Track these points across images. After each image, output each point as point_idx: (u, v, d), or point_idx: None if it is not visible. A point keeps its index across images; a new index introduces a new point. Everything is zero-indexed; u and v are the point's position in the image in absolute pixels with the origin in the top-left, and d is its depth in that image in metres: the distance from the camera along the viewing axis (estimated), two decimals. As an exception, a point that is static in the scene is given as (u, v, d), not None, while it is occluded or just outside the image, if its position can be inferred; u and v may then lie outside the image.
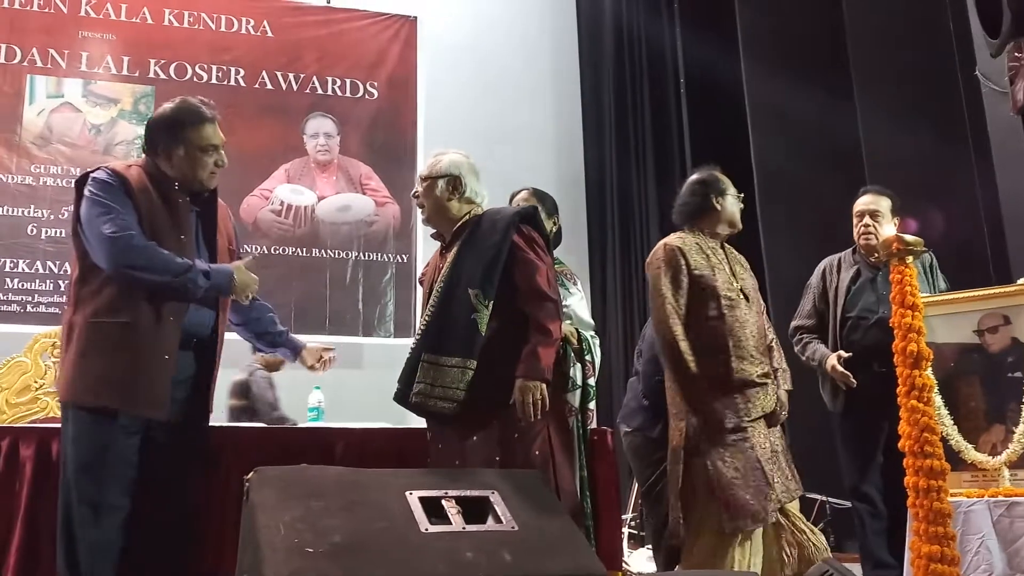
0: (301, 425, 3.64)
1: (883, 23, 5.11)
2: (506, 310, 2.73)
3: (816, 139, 5.61)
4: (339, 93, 6.96)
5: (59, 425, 2.67)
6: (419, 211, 3.07)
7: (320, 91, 6.91)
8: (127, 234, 2.48)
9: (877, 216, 3.73)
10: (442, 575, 1.94)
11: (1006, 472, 2.81)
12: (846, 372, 3.61)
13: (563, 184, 6.93)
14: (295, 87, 6.84)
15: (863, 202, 3.79)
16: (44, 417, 4.26)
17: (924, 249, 2.59)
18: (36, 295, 5.94)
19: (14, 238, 5.99)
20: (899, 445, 2.46)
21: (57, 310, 5.76)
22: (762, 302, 3.35)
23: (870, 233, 3.73)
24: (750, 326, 3.12)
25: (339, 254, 6.67)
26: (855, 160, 5.07)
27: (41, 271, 5.98)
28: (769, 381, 3.09)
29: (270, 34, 6.87)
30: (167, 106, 2.70)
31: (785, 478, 3.05)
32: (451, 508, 2.12)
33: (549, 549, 2.09)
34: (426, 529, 2.04)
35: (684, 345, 2.98)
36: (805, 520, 3.12)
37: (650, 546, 4.89)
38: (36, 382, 4.39)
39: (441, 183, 2.89)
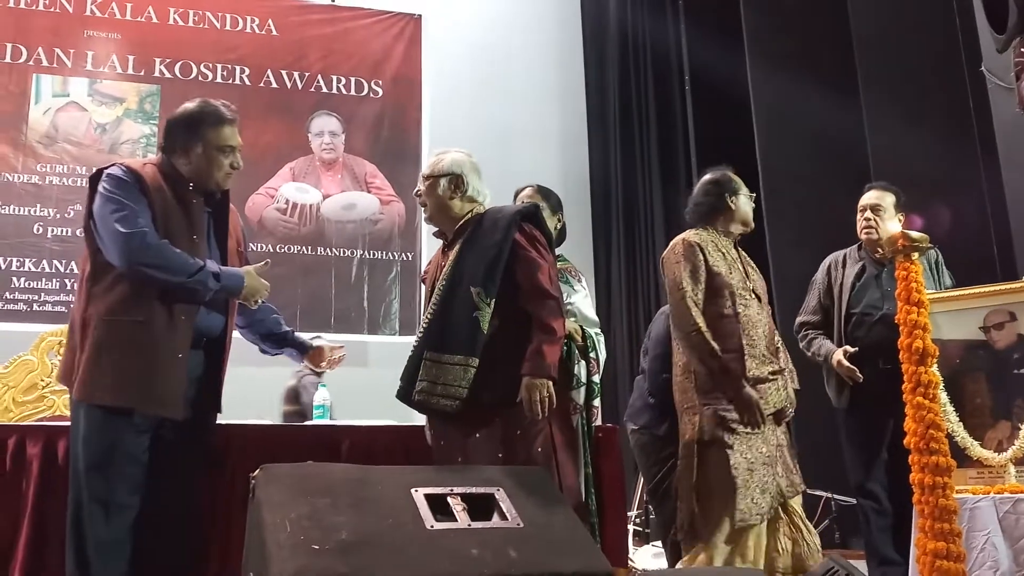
0: (307, 423, 3.65)
1: (888, 20, 5.09)
2: (508, 308, 2.73)
3: (821, 136, 5.60)
4: (344, 92, 6.97)
5: (66, 424, 2.68)
6: (422, 210, 3.07)
7: (325, 90, 6.92)
8: (140, 231, 2.48)
9: (879, 211, 3.74)
10: (447, 572, 1.95)
11: (1012, 469, 2.80)
12: (852, 367, 3.61)
13: (568, 181, 6.93)
14: (300, 86, 6.86)
15: (867, 197, 3.80)
16: (51, 415, 4.28)
17: (930, 246, 2.59)
18: (42, 294, 5.96)
19: (20, 237, 6.01)
20: (905, 442, 2.46)
21: (63, 309, 5.78)
22: (768, 305, 3.35)
23: (872, 228, 3.74)
24: (761, 326, 3.14)
25: (344, 252, 6.68)
26: (861, 158, 5.06)
27: (47, 270, 6.00)
28: (779, 378, 3.11)
29: (275, 33, 6.88)
30: (188, 105, 2.71)
31: (789, 472, 3.09)
32: (456, 505, 2.13)
33: (554, 546, 2.09)
34: (432, 526, 2.04)
35: (709, 335, 2.98)
36: (804, 518, 3.13)
37: (654, 543, 4.90)
38: (43, 380, 4.41)
39: (443, 182, 2.90)
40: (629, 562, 4.02)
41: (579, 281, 3.42)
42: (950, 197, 4.49)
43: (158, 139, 6.30)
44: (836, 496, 4.96)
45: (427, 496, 2.12)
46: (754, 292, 3.21)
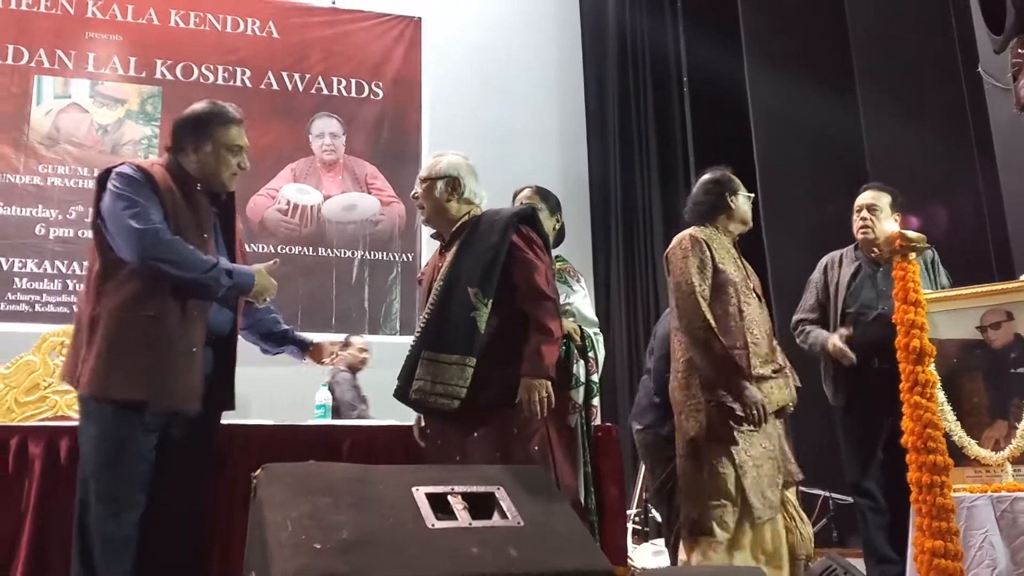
0: (308, 423, 3.66)
1: (885, 21, 5.10)
2: (505, 309, 2.75)
3: (819, 137, 5.61)
4: (344, 93, 6.98)
5: (68, 424, 2.70)
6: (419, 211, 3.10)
7: (326, 91, 6.93)
8: (154, 227, 2.50)
9: (875, 211, 3.75)
10: (448, 571, 1.95)
11: (1009, 468, 2.81)
12: (844, 348, 3.61)
13: (567, 183, 6.94)
14: (301, 87, 6.87)
15: (863, 198, 3.82)
16: (53, 416, 4.29)
17: (927, 246, 2.60)
18: (44, 295, 5.97)
19: (22, 238, 6.02)
20: (902, 441, 2.47)
21: (66, 309, 5.79)
22: (765, 305, 3.37)
23: (868, 227, 3.76)
24: (763, 325, 3.15)
25: (345, 253, 6.70)
26: (858, 158, 5.07)
27: (49, 271, 6.01)
28: (781, 376, 3.13)
29: (276, 35, 6.89)
30: (196, 105, 2.75)
31: (787, 461, 3.13)
32: (457, 504, 2.13)
33: (555, 545, 2.10)
34: (432, 525, 2.05)
35: (716, 331, 2.98)
36: (798, 507, 3.15)
37: (654, 541, 4.92)
38: (45, 381, 4.42)
39: (440, 184, 2.92)
40: (628, 560, 4.03)
41: (578, 281, 3.43)
42: (947, 197, 4.50)
43: (162, 139, 6.36)
44: (834, 495, 4.97)
45: (428, 495, 2.13)
46: (754, 291, 3.23)
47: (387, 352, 6.30)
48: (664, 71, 7.08)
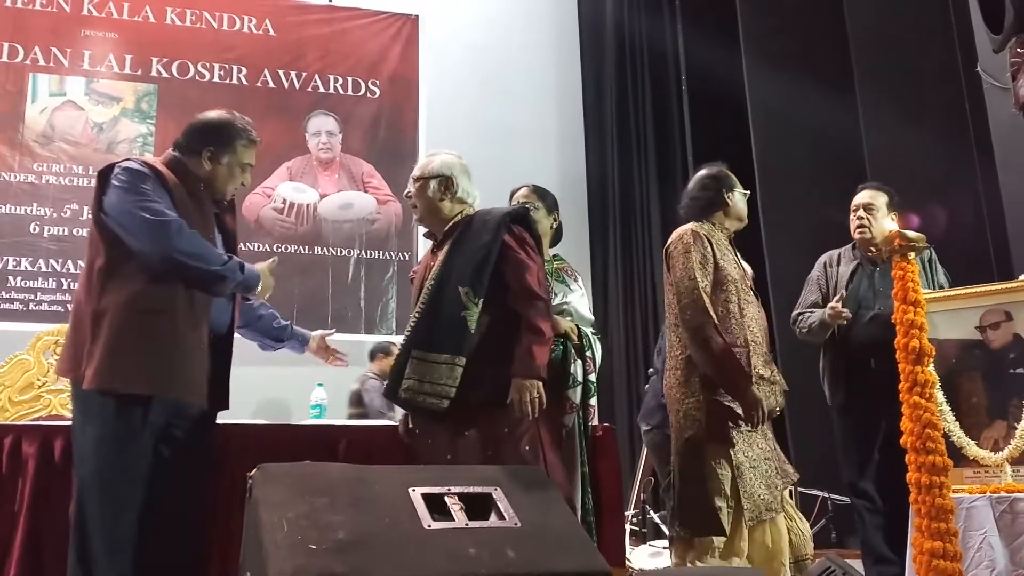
0: (304, 422, 3.65)
1: (884, 20, 5.10)
2: (497, 308, 2.75)
3: (818, 137, 5.61)
4: (341, 91, 6.97)
5: (62, 423, 2.67)
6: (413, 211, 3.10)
7: (322, 89, 6.92)
8: (176, 220, 2.52)
9: (871, 210, 3.76)
10: (445, 571, 1.94)
11: (1008, 468, 2.80)
12: (840, 310, 3.61)
13: (565, 181, 6.93)
14: (297, 85, 6.85)
15: (860, 197, 3.82)
16: (47, 415, 4.27)
17: (926, 245, 2.59)
18: (39, 293, 5.95)
19: (17, 236, 6.00)
20: (901, 441, 2.46)
21: (60, 308, 5.77)
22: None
23: (864, 227, 3.76)
24: (762, 324, 3.14)
25: (341, 252, 6.68)
26: (857, 158, 5.07)
27: (44, 269, 5.99)
28: (775, 381, 3.11)
29: (272, 33, 6.88)
30: (221, 114, 2.77)
31: (782, 463, 3.11)
32: (454, 505, 2.12)
33: (552, 546, 2.09)
34: (429, 526, 2.04)
35: (719, 329, 2.95)
36: (795, 507, 3.15)
37: (652, 542, 4.91)
38: (39, 380, 4.40)
39: (433, 183, 2.92)
40: (626, 562, 4.02)
41: (576, 281, 3.42)
42: (946, 197, 4.49)
43: (158, 137, 6.34)
44: (832, 495, 4.97)
45: (424, 496, 2.12)
46: (752, 290, 3.21)
47: (383, 351, 6.30)
48: (662, 70, 7.07)
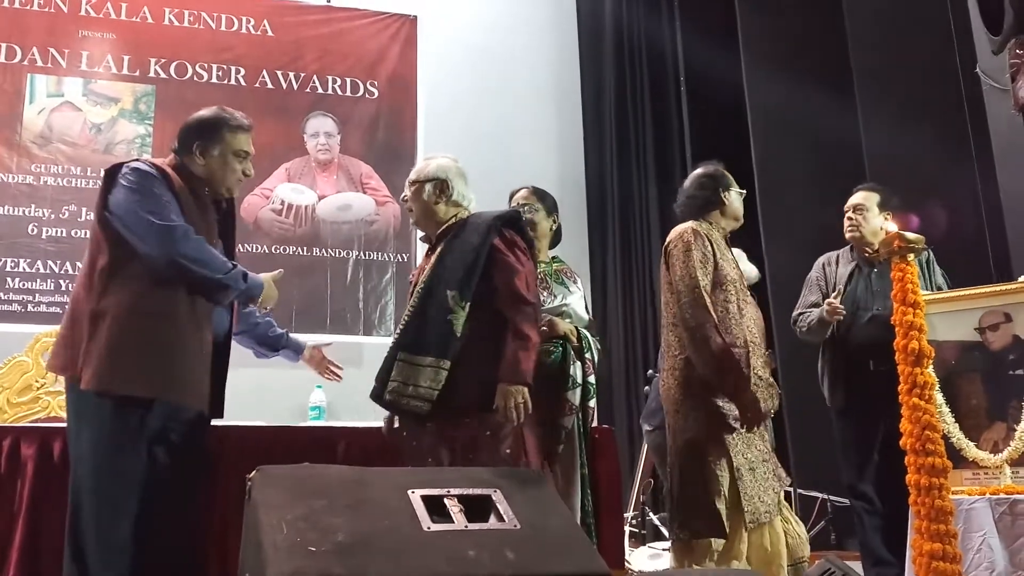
0: (303, 424, 3.64)
1: (883, 21, 5.10)
2: (485, 312, 2.74)
3: (817, 138, 5.60)
4: (339, 92, 6.95)
5: (61, 425, 2.67)
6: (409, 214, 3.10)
7: (320, 90, 6.91)
8: (182, 225, 2.52)
9: (862, 210, 3.81)
10: (444, 573, 1.94)
11: (1007, 470, 2.81)
12: (837, 306, 3.64)
13: (564, 183, 6.92)
14: (295, 86, 6.84)
15: (852, 199, 3.89)
16: (45, 416, 4.26)
17: (925, 247, 2.59)
18: (37, 295, 5.93)
19: (14, 237, 5.98)
20: (901, 443, 2.46)
21: (58, 310, 5.75)
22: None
23: (855, 227, 3.81)
24: (760, 325, 3.13)
25: (339, 253, 6.67)
26: (856, 159, 5.07)
27: (42, 271, 5.97)
28: (773, 383, 3.11)
29: (270, 33, 6.86)
30: (206, 110, 2.78)
31: (776, 466, 3.10)
32: (453, 507, 2.12)
33: (552, 548, 2.09)
34: (428, 528, 2.04)
35: (719, 329, 2.92)
36: (790, 509, 3.15)
37: (651, 544, 4.91)
38: (37, 382, 4.40)
39: (428, 187, 2.92)
40: (626, 564, 4.02)
41: (575, 283, 3.42)
42: (946, 198, 4.49)
43: (155, 138, 6.33)
44: (832, 497, 4.97)
45: (424, 497, 2.12)
46: (749, 291, 3.21)
47: (382, 353, 6.27)
48: (661, 71, 7.06)
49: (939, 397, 2.78)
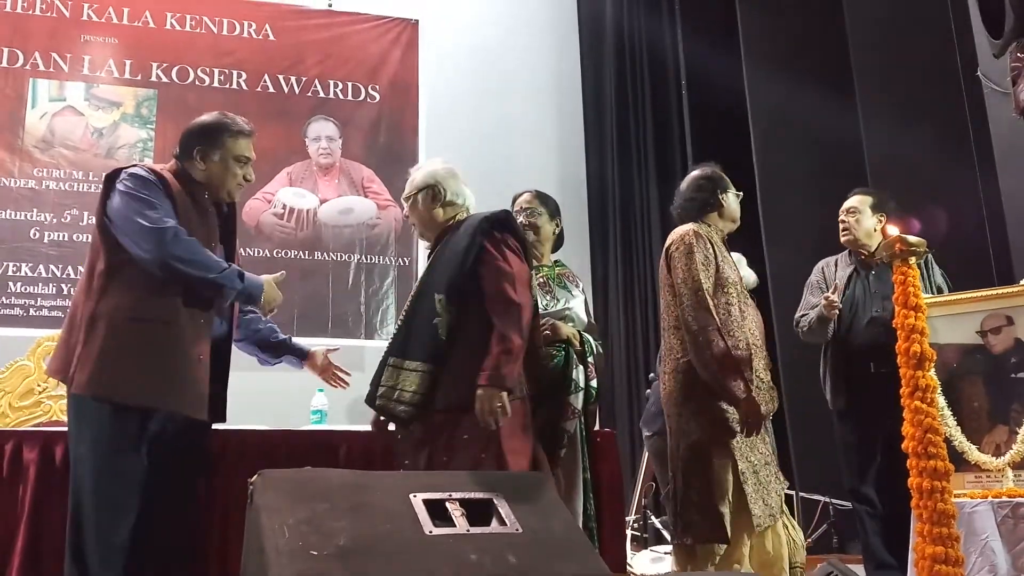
0: (304, 428, 3.64)
1: (884, 24, 5.10)
2: (473, 316, 2.72)
3: (818, 140, 5.60)
4: (341, 96, 6.96)
5: (63, 429, 2.67)
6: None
7: (322, 94, 6.91)
8: (174, 227, 2.51)
9: (854, 213, 3.87)
10: (446, 577, 1.94)
11: (1010, 473, 2.81)
12: (833, 300, 3.67)
13: (565, 186, 6.92)
14: (297, 90, 6.85)
15: (846, 203, 3.92)
16: (47, 420, 4.27)
17: (927, 250, 2.58)
18: (39, 299, 5.94)
19: (17, 242, 5.99)
20: (903, 446, 2.45)
21: (60, 314, 5.75)
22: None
23: (846, 229, 3.87)
24: (760, 327, 3.13)
25: (341, 257, 6.67)
26: (857, 162, 5.07)
27: (44, 275, 5.98)
28: (772, 386, 3.11)
29: (272, 37, 6.87)
30: (207, 116, 2.78)
31: (776, 469, 3.09)
32: (455, 510, 2.12)
33: (554, 551, 2.09)
34: (430, 531, 2.04)
35: (723, 332, 2.89)
36: (788, 514, 3.14)
37: (653, 548, 4.91)
38: (39, 385, 4.40)
39: (420, 196, 2.94)
40: (627, 567, 4.02)
41: (577, 286, 3.42)
42: (947, 201, 4.49)
43: (157, 142, 6.34)
44: (834, 500, 4.96)
45: (425, 501, 2.12)
46: (749, 293, 3.21)
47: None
48: (662, 73, 7.07)
49: (941, 400, 2.78)
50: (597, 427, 3.24)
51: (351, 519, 2.01)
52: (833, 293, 3.71)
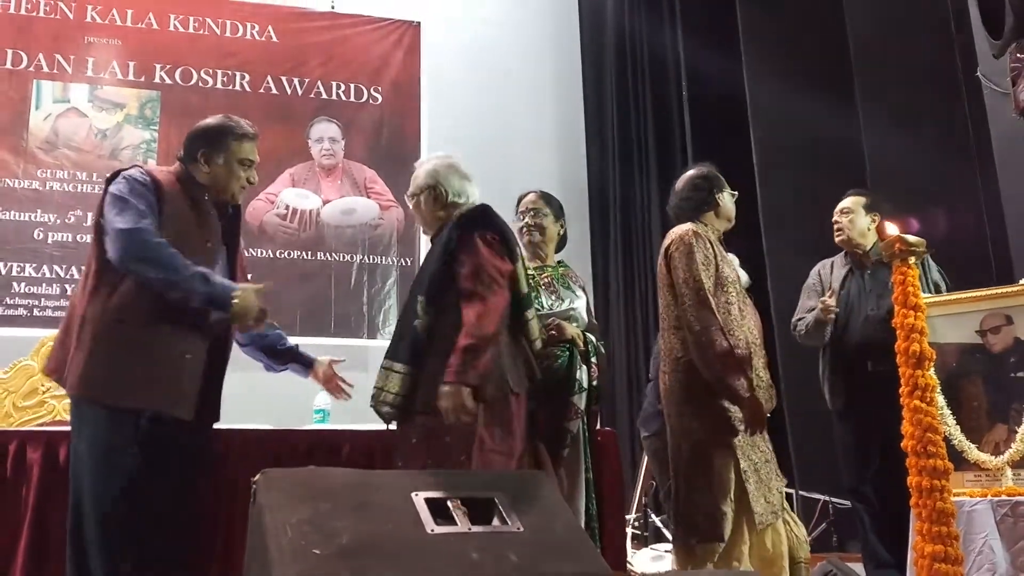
0: (307, 427, 3.66)
1: (884, 25, 5.10)
2: (451, 316, 2.68)
3: (818, 141, 5.60)
4: (343, 98, 6.98)
5: (66, 428, 2.68)
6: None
7: (325, 96, 6.93)
8: (139, 228, 2.50)
9: (848, 213, 3.92)
10: (448, 576, 1.95)
11: (1009, 472, 2.81)
12: (829, 303, 3.70)
13: (566, 187, 6.92)
14: (300, 92, 6.87)
15: (840, 204, 3.96)
16: (51, 420, 4.28)
17: (926, 250, 2.59)
18: (43, 299, 5.96)
19: (21, 242, 6.01)
20: (902, 445, 2.46)
21: (64, 314, 5.78)
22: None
23: (840, 229, 3.91)
24: (759, 326, 3.13)
25: (344, 257, 6.69)
26: (857, 163, 5.07)
27: (48, 275, 6.00)
28: (771, 384, 3.11)
29: (275, 39, 6.89)
30: (211, 118, 2.79)
31: (776, 467, 3.10)
32: (457, 509, 2.13)
33: (555, 550, 2.10)
34: (432, 530, 2.04)
35: (724, 331, 2.89)
36: (789, 510, 3.15)
37: (654, 546, 4.92)
38: (43, 385, 4.41)
39: (422, 197, 2.94)
40: (628, 566, 4.03)
41: (580, 287, 3.44)
42: (946, 201, 4.50)
43: (161, 144, 6.36)
44: (833, 499, 4.97)
45: (427, 500, 2.12)
46: (747, 292, 3.22)
47: (386, 356, 6.30)
48: (663, 75, 7.07)
49: (940, 399, 2.79)
50: (598, 427, 3.24)
51: (354, 518, 2.01)
52: (830, 297, 3.72)
